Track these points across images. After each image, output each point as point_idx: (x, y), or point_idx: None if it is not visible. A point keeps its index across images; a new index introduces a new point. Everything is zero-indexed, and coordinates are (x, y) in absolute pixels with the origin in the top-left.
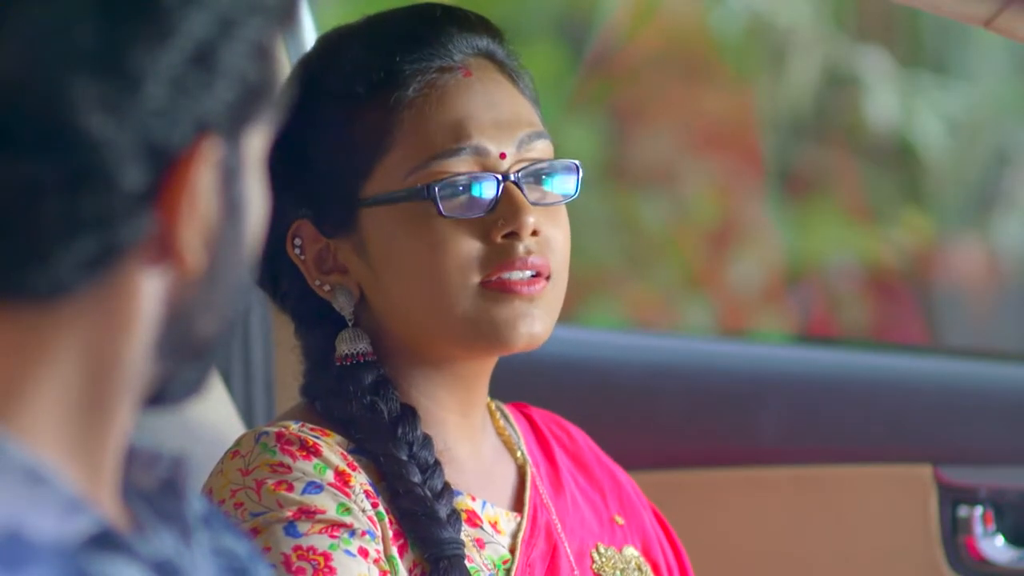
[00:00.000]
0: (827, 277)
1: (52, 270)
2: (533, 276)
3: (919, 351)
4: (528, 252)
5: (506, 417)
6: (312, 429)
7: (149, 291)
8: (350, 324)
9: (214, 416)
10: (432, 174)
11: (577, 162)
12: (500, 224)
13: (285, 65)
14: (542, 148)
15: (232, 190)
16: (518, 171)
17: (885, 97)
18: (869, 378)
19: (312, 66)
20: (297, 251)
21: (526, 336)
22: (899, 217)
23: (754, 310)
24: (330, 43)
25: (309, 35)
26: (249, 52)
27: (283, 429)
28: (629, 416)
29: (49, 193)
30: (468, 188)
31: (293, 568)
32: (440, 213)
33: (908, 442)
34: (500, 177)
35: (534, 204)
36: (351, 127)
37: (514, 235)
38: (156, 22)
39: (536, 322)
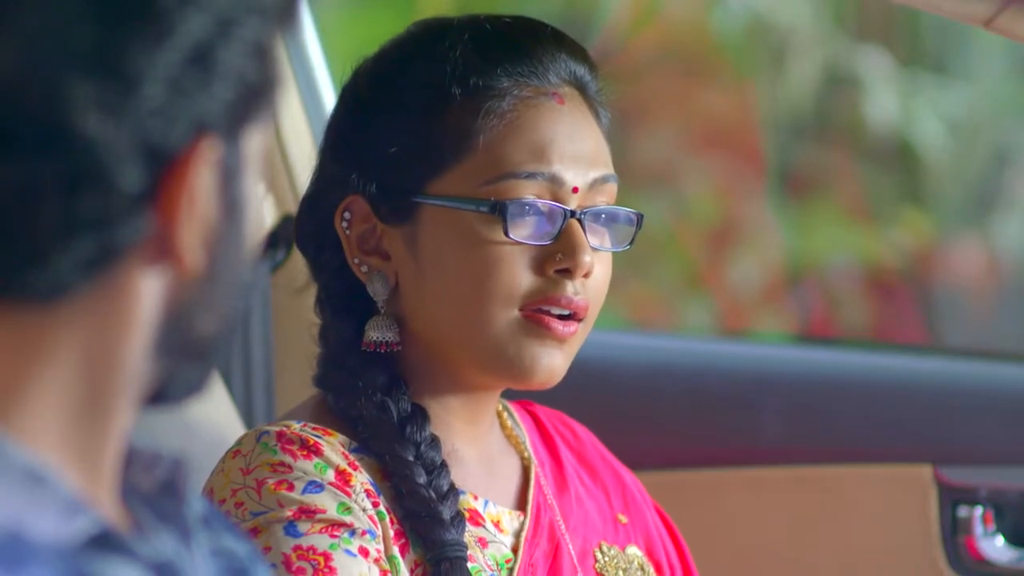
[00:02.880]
0: (827, 277)
1: (51, 271)
2: (569, 317)
3: (919, 351)
4: (575, 292)
5: (512, 416)
6: (314, 428)
7: (148, 291)
8: (382, 311)
9: (214, 416)
10: (504, 191)
11: (642, 214)
12: (558, 259)
13: (285, 65)
14: (610, 191)
15: (231, 190)
16: (585, 210)
17: (885, 97)
18: (869, 378)
19: (407, 50)
20: (344, 224)
21: (545, 374)
22: (899, 217)
23: (754, 310)
24: (431, 33)
25: (309, 35)
26: (248, 52)
27: (284, 428)
28: (629, 416)
29: (47, 194)
30: (537, 215)
31: (293, 568)
32: (506, 232)
33: (908, 442)
34: (569, 211)
35: (593, 248)
36: (435, 123)
37: (567, 272)
38: (154, 23)
39: (557, 362)
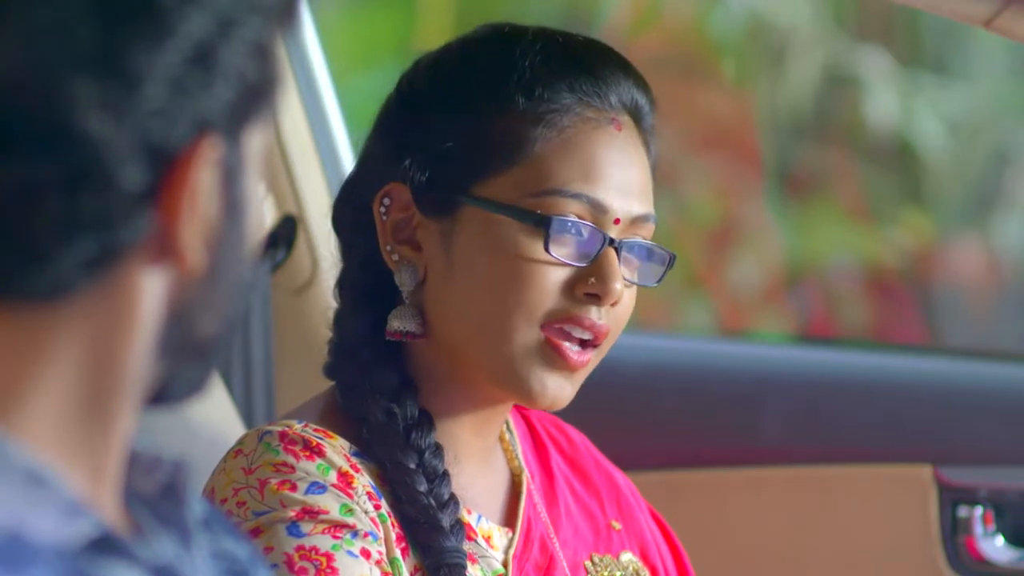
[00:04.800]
0: (827, 277)
1: (52, 271)
2: (587, 343)
3: (919, 351)
4: (599, 317)
5: (508, 425)
6: (316, 430)
7: (150, 291)
8: (407, 302)
9: (214, 416)
10: (548, 205)
11: (674, 255)
12: (590, 283)
13: (285, 65)
14: (649, 230)
15: (233, 189)
16: (623, 240)
17: (885, 97)
18: (869, 378)
19: (476, 50)
20: (382, 210)
21: (550, 400)
22: (899, 217)
23: (754, 310)
24: (503, 37)
25: (309, 35)
26: (249, 52)
27: (286, 429)
28: (629, 416)
29: (48, 193)
30: (578, 235)
31: (295, 568)
32: (546, 247)
33: (908, 442)
34: (609, 238)
35: (625, 279)
36: (493, 125)
37: (596, 298)
38: (155, 22)
39: (566, 391)
